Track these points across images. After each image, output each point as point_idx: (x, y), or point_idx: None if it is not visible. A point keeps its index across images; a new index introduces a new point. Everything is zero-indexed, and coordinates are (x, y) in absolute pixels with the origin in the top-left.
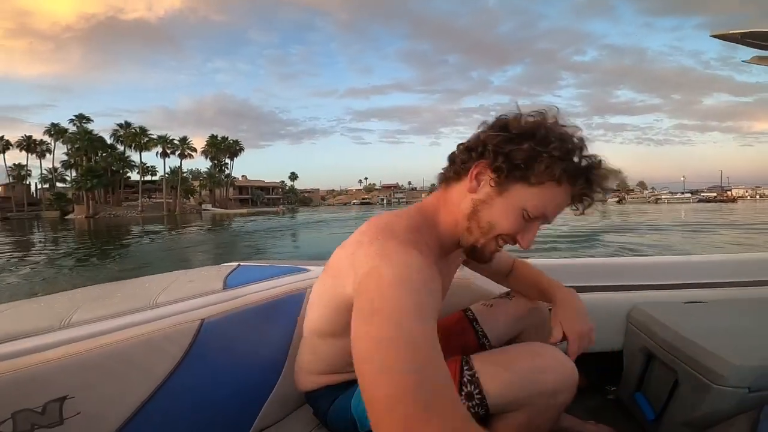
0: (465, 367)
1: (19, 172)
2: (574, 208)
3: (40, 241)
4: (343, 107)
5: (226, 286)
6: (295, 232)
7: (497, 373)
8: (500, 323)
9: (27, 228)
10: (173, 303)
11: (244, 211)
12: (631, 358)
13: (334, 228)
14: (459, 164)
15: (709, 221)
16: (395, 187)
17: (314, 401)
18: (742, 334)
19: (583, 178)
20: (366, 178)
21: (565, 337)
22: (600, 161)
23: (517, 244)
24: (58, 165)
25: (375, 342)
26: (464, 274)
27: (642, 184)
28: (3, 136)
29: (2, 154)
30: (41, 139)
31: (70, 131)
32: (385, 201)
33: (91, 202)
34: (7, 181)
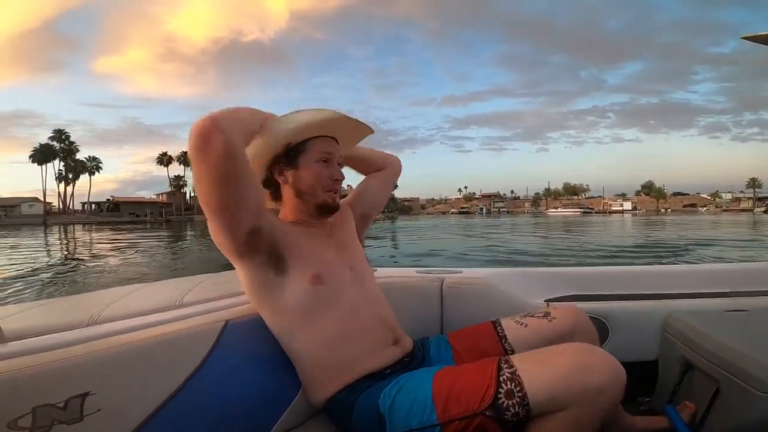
0: (504, 365)
1: (178, 182)
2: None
3: (191, 235)
4: (442, 115)
5: None
6: (394, 236)
7: (539, 371)
8: (532, 344)
9: (183, 228)
10: (198, 303)
11: None
12: (666, 368)
13: (428, 233)
14: (270, 184)
15: None
16: (496, 196)
17: (334, 408)
18: None
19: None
20: (465, 187)
21: None
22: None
23: (338, 182)
24: None
25: None
26: (480, 277)
27: None
28: (166, 152)
29: (167, 167)
30: None
31: None
32: (484, 210)
33: None
34: (170, 190)
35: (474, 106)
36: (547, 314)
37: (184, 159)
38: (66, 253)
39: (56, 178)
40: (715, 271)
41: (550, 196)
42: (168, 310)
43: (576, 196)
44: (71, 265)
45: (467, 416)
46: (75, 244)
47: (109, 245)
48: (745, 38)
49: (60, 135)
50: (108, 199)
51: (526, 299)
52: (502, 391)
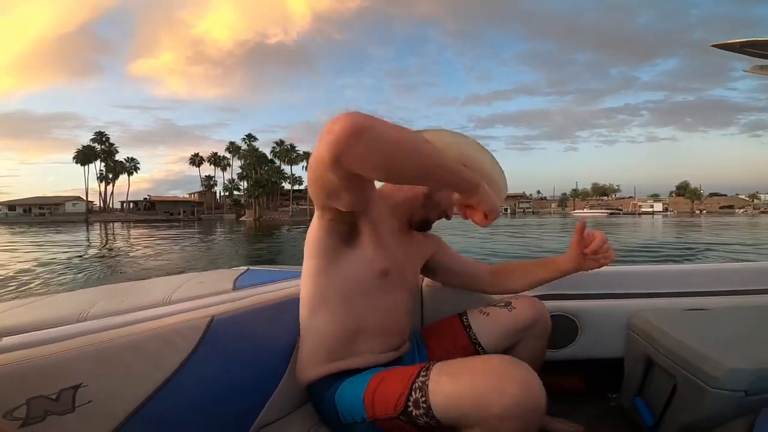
0: (422, 373)
1: (209, 182)
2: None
3: (220, 232)
4: (466, 115)
5: (236, 287)
6: None
7: (447, 384)
8: (495, 333)
9: (213, 226)
10: (185, 300)
11: None
12: (631, 365)
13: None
14: None
15: None
16: (521, 197)
17: (314, 393)
18: (741, 339)
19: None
20: None
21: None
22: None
23: (446, 217)
24: (234, 176)
25: None
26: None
27: None
28: (198, 153)
29: (198, 167)
30: (223, 155)
31: (242, 148)
32: (508, 211)
33: (257, 207)
34: (201, 189)
35: (498, 105)
36: (508, 304)
37: (214, 160)
38: (107, 246)
39: (98, 178)
40: (678, 272)
41: (578, 196)
42: (157, 306)
43: (606, 197)
44: (114, 257)
45: (388, 418)
46: (114, 238)
47: (146, 240)
48: (715, 46)
49: (101, 137)
50: (145, 198)
51: (500, 296)
52: (411, 399)
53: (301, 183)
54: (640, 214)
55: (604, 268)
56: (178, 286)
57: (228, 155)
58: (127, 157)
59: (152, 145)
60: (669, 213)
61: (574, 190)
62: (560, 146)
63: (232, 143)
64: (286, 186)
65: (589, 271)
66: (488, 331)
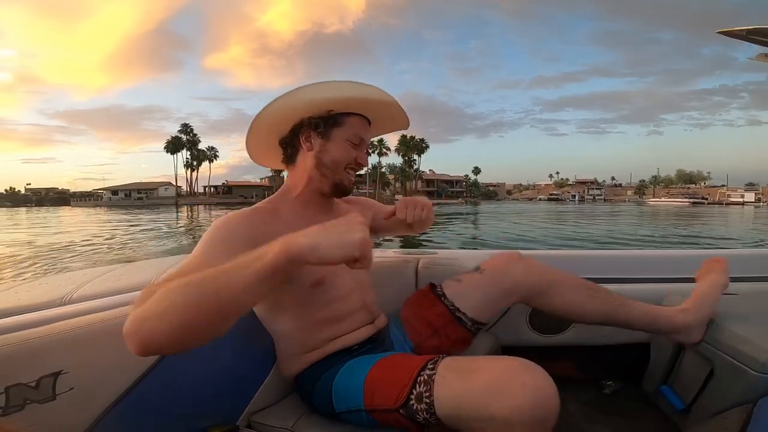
0: (429, 366)
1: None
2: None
3: None
4: (531, 98)
5: None
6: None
7: (454, 381)
8: (471, 297)
9: None
10: None
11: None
12: (659, 350)
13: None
14: (290, 144)
15: None
16: (592, 183)
17: (301, 385)
18: None
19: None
20: (557, 173)
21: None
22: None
23: (360, 166)
24: None
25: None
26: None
27: None
28: None
29: None
30: None
31: None
32: (576, 198)
33: None
34: (270, 175)
35: (568, 88)
36: (477, 268)
37: None
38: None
39: (184, 165)
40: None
41: (660, 183)
42: (143, 289)
43: (692, 185)
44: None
45: (386, 410)
46: (198, 216)
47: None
48: (720, 33)
49: (186, 128)
50: (223, 183)
51: (457, 269)
52: (414, 393)
53: (360, 167)
54: (727, 203)
55: (633, 251)
56: (166, 269)
57: None
58: (208, 146)
59: (227, 134)
60: (762, 204)
61: (654, 177)
62: (641, 130)
63: None
64: None
65: (618, 255)
66: (464, 297)
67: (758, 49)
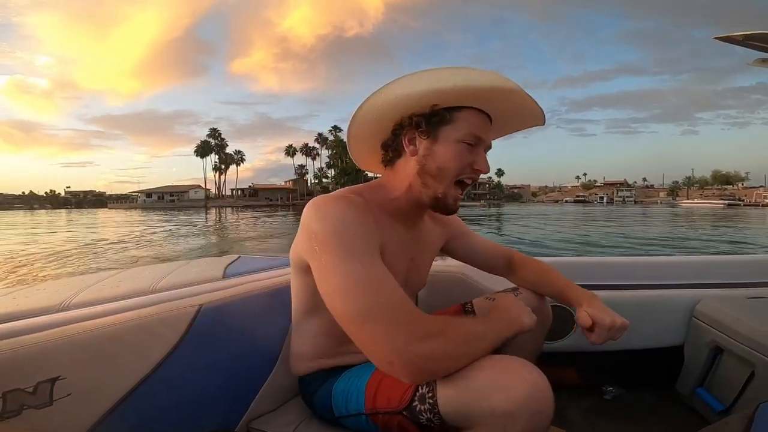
0: None
1: (301, 171)
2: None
3: None
4: (557, 98)
5: (226, 275)
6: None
7: (455, 380)
8: None
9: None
10: (173, 289)
11: None
12: (694, 353)
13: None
14: (392, 145)
15: None
16: (621, 184)
17: (305, 386)
18: None
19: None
20: (585, 174)
21: (592, 327)
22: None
23: (478, 173)
24: (323, 165)
25: (330, 269)
26: (455, 266)
27: None
28: (291, 144)
29: (292, 158)
30: (313, 146)
31: (329, 139)
32: (605, 199)
33: None
34: (295, 177)
35: (596, 87)
36: (515, 289)
37: (305, 150)
38: (221, 222)
39: (213, 169)
40: (739, 262)
41: (694, 184)
42: (142, 295)
43: (729, 185)
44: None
45: (389, 412)
46: (226, 218)
47: (248, 220)
48: (717, 38)
49: (214, 133)
50: (249, 186)
51: (488, 286)
52: (417, 394)
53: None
54: (764, 205)
55: (663, 258)
56: (166, 274)
57: (317, 146)
58: (235, 150)
59: (253, 138)
60: None
61: (688, 178)
62: (675, 129)
63: (320, 134)
64: (370, 174)
65: (647, 261)
66: None
67: (756, 54)
